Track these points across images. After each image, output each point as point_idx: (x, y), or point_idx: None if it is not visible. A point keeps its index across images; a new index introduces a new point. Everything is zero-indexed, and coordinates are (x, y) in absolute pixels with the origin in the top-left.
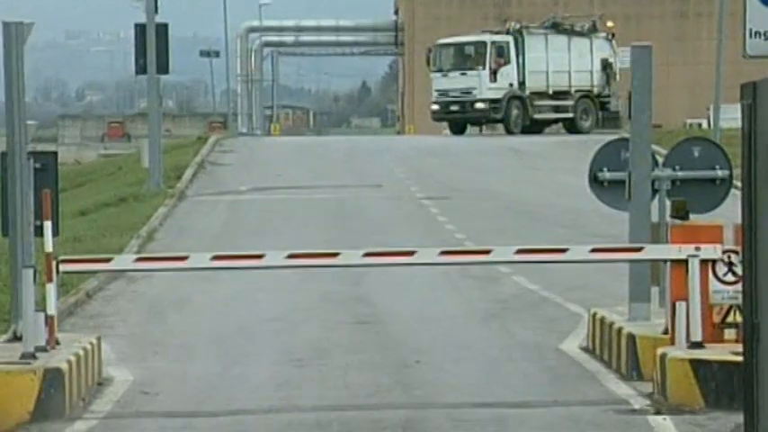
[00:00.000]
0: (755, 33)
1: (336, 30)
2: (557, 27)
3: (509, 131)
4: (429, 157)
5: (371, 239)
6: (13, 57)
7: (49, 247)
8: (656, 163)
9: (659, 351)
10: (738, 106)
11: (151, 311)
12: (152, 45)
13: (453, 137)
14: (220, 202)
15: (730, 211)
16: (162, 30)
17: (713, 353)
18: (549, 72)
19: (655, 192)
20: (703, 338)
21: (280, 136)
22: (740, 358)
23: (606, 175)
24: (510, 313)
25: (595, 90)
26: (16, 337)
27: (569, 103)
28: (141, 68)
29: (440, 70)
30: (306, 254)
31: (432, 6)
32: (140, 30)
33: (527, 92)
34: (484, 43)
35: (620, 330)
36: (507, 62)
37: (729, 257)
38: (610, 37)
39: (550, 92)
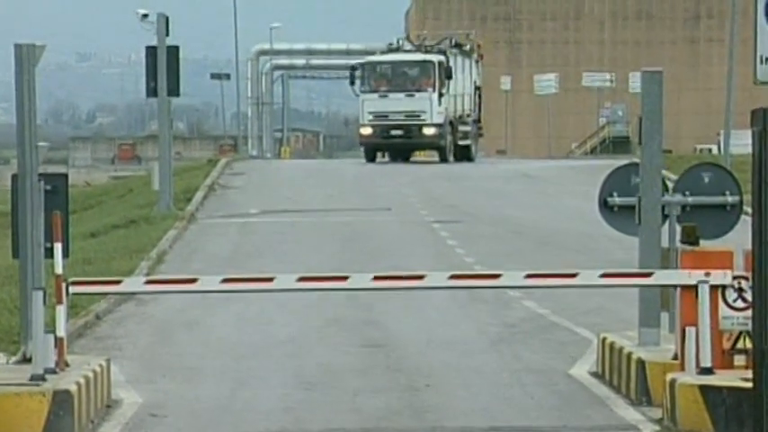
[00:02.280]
0: (766, 60)
1: (347, 53)
2: (459, 48)
3: (444, 159)
4: (439, 180)
5: (381, 263)
6: (24, 78)
7: (59, 269)
8: (666, 188)
9: (669, 377)
10: (749, 132)
11: (160, 334)
12: (163, 68)
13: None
14: (230, 224)
15: (740, 237)
16: (173, 52)
17: (723, 379)
18: (465, 95)
19: (665, 217)
20: (713, 364)
21: (290, 159)
22: (750, 384)
23: (616, 200)
24: (520, 338)
25: (473, 115)
26: (26, 359)
27: (469, 128)
28: (152, 91)
29: (373, 91)
30: (316, 277)
31: (442, 29)
32: (151, 52)
33: (454, 116)
34: (431, 63)
35: (629, 356)
36: (446, 84)
37: (739, 283)
38: (479, 59)
39: (464, 116)
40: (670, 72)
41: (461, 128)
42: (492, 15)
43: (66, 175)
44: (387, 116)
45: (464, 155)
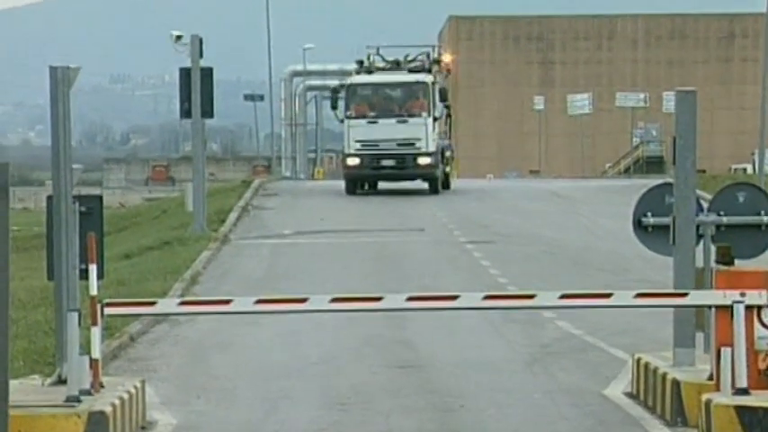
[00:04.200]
0: None
1: None
2: (438, 63)
3: (436, 191)
4: (472, 201)
5: (415, 283)
6: (59, 101)
7: (93, 291)
8: (700, 208)
9: (704, 397)
10: None
11: (195, 355)
12: (196, 89)
13: (495, 180)
14: (264, 245)
15: None
16: (206, 74)
17: (759, 399)
18: (442, 116)
19: (699, 237)
20: (749, 385)
21: (323, 180)
22: None
23: (651, 220)
24: (553, 358)
25: (446, 139)
26: (61, 381)
27: (449, 153)
28: (186, 112)
29: (360, 116)
30: (349, 298)
31: (475, 51)
32: (185, 74)
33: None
34: (424, 84)
35: (664, 376)
36: (441, 108)
37: None
38: (447, 74)
39: (445, 141)
40: (704, 92)
41: (446, 153)
42: (525, 35)
43: (100, 197)
44: (377, 145)
45: (444, 183)
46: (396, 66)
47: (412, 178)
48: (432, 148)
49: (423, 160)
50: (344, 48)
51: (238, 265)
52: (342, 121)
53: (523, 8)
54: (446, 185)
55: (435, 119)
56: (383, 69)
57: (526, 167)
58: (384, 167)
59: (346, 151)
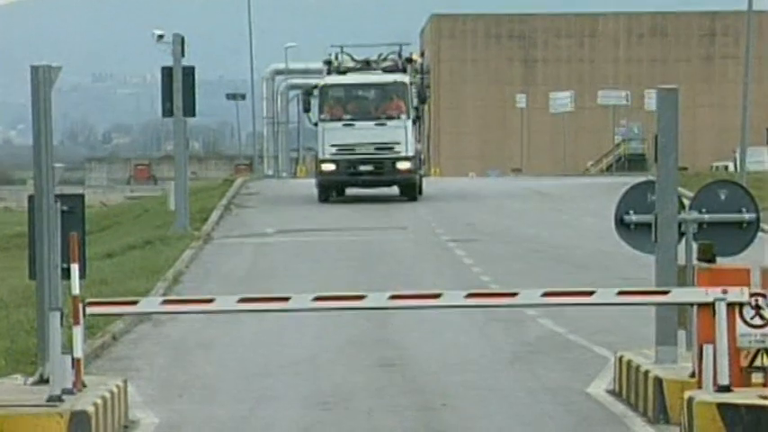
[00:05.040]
0: None
1: None
2: (411, 62)
3: (414, 197)
4: (454, 199)
5: (397, 282)
6: (40, 100)
7: (75, 290)
8: (682, 206)
9: (686, 394)
10: (765, 149)
11: (177, 354)
12: (179, 88)
13: (477, 178)
14: (246, 244)
15: (757, 254)
16: (188, 73)
17: (741, 396)
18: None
19: (681, 235)
20: (731, 382)
21: (306, 178)
22: None
23: (633, 217)
24: (536, 356)
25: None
26: (43, 380)
27: (422, 157)
28: (168, 111)
29: (335, 119)
30: (332, 296)
31: (457, 49)
32: (167, 73)
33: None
34: (403, 85)
35: (647, 374)
36: (420, 109)
37: (757, 301)
38: (415, 74)
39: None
40: (685, 89)
41: (422, 157)
42: (507, 33)
43: (82, 196)
44: (353, 149)
45: (419, 189)
46: (366, 65)
47: (390, 184)
48: (411, 152)
49: (402, 165)
50: (326, 46)
51: (221, 265)
52: (315, 125)
53: (505, 6)
54: (420, 191)
55: (414, 121)
56: (355, 69)
57: (508, 166)
58: (361, 173)
59: (321, 156)
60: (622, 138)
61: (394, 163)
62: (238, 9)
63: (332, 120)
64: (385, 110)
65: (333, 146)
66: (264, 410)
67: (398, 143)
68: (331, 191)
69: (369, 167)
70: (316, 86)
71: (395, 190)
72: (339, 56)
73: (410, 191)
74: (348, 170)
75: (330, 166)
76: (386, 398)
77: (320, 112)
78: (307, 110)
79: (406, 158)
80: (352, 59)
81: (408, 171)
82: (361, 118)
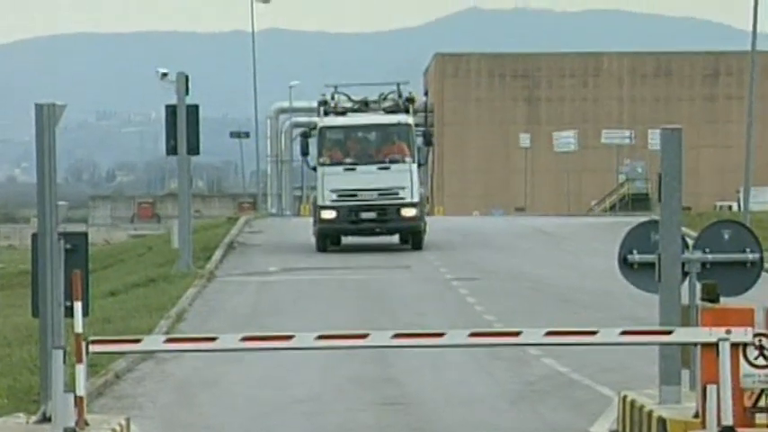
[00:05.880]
0: None
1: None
2: (412, 102)
3: (418, 246)
4: (458, 237)
5: (401, 321)
6: (44, 138)
7: (78, 328)
8: (686, 245)
9: None
10: None
11: (180, 392)
12: (182, 126)
13: (481, 217)
14: (250, 282)
15: (761, 294)
16: (192, 111)
17: None
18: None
19: (685, 274)
20: (734, 422)
21: (310, 217)
22: None
23: (636, 257)
24: (539, 396)
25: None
26: (46, 418)
27: (426, 203)
28: (172, 149)
29: (336, 163)
30: (335, 335)
31: (460, 88)
32: (171, 111)
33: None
34: (407, 126)
35: (650, 413)
36: (425, 152)
37: (760, 341)
38: (415, 114)
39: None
40: (689, 129)
41: (426, 202)
42: (510, 72)
43: (85, 234)
44: (355, 195)
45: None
46: (365, 105)
47: (394, 232)
48: (416, 198)
49: (407, 212)
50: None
51: (225, 303)
52: (314, 169)
53: (509, 46)
54: (422, 240)
55: (420, 165)
56: (353, 110)
57: (512, 205)
58: (363, 221)
59: (320, 203)
60: (626, 177)
61: (398, 210)
62: (243, 48)
63: (332, 164)
64: (388, 153)
65: (333, 191)
66: None
67: (403, 188)
68: (330, 240)
69: (372, 214)
70: (313, 128)
71: (395, 239)
72: (335, 96)
73: (416, 239)
74: (349, 217)
75: (331, 214)
76: None
77: (319, 155)
78: (305, 153)
79: (411, 205)
80: (349, 99)
81: (413, 218)
82: (363, 161)
